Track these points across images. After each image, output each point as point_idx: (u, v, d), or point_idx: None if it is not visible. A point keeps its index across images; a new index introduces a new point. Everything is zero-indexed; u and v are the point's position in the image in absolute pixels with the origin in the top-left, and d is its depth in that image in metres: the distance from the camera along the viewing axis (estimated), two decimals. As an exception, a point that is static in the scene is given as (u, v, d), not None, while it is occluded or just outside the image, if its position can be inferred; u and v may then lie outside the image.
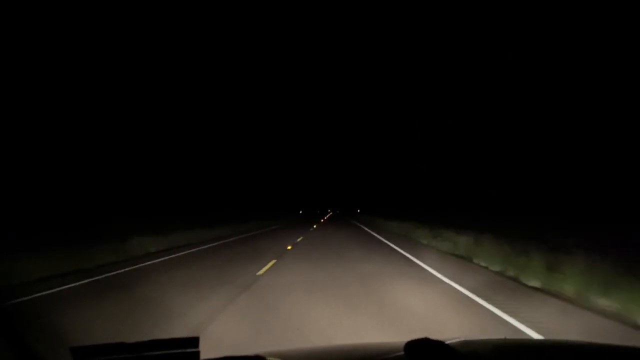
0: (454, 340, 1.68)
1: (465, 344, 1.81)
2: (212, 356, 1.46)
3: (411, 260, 12.21)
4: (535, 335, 5.04)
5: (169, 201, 39.69)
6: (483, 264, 10.84)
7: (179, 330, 5.25)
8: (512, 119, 34.11)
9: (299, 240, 20.70)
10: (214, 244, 18.98)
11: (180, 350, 1.27)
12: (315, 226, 36.67)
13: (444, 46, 41.88)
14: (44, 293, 8.02)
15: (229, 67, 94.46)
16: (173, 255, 14.47)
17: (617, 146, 26.62)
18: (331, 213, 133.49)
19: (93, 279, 9.60)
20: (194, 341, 1.29)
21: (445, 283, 8.49)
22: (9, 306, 6.84)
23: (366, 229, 32.05)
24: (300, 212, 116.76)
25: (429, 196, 50.75)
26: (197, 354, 1.27)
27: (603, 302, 6.36)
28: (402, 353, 1.45)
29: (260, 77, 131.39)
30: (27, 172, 25.91)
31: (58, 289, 8.47)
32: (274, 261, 12.18)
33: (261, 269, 10.64)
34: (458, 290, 7.71)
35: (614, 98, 26.56)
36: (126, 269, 11.13)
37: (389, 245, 17.21)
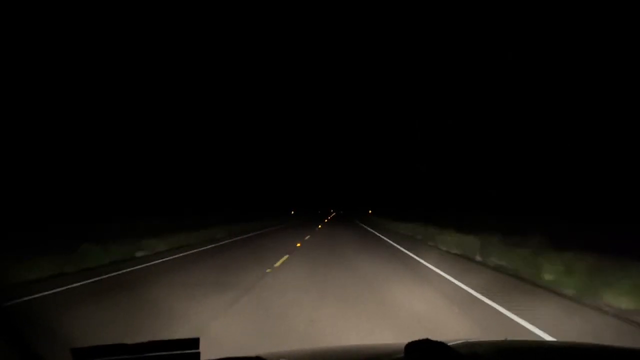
0: (455, 342, 1.68)
1: (467, 345, 1.81)
2: (213, 357, 1.46)
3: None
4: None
5: (164, 201, 39.30)
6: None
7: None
8: (512, 118, 34.22)
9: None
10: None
11: (180, 351, 1.27)
12: (299, 245, 18.55)
13: (444, 46, 42.04)
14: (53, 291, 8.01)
15: (229, 67, 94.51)
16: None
17: (617, 146, 26.70)
18: (334, 214, 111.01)
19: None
20: (194, 342, 1.28)
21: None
22: (10, 306, 6.83)
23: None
24: (292, 212, 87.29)
25: (429, 196, 50.93)
26: (198, 354, 1.27)
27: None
28: (403, 355, 1.44)
29: (260, 76, 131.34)
30: (26, 172, 25.85)
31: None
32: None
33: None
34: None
35: (613, 98, 26.66)
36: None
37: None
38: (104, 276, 9.94)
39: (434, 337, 1.52)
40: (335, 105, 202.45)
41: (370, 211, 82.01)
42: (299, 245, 18.09)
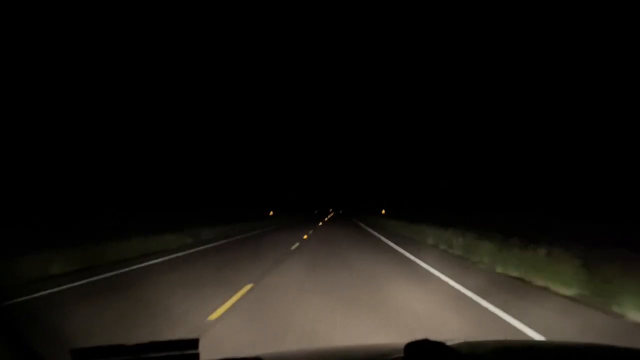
0: (454, 342, 1.68)
1: (466, 345, 1.81)
2: (212, 358, 1.46)
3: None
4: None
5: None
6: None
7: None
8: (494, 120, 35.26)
9: None
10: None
11: (180, 352, 1.26)
12: None
13: (436, 44, 42.27)
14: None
15: (229, 67, 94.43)
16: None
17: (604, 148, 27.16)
18: (332, 214, 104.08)
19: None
20: (193, 343, 1.28)
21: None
22: (9, 306, 6.82)
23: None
24: (271, 212, 66.09)
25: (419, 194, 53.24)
26: (197, 355, 1.27)
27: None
28: (402, 355, 1.44)
29: (260, 71, 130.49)
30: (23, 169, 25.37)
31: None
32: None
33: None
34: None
35: (598, 98, 27.15)
36: None
37: None
38: None
39: (433, 337, 1.51)
40: (334, 103, 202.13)
41: (383, 211, 65.67)
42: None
